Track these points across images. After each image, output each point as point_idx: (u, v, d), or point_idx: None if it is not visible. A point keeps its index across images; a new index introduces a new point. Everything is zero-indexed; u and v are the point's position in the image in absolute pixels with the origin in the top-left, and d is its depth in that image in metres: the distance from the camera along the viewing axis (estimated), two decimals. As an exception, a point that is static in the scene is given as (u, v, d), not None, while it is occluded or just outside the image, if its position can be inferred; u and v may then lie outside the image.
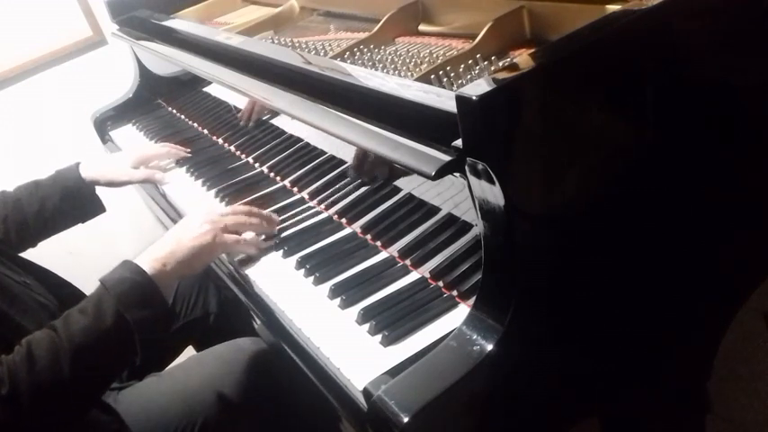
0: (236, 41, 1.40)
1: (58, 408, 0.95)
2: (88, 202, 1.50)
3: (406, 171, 0.91)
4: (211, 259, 1.15)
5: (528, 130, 0.79)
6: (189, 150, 1.65)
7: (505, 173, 0.76)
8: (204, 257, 1.11)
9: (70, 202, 1.46)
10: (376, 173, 1.11)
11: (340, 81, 1.07)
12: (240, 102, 1.55)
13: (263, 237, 1.22)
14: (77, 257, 1.59)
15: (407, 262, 1.06)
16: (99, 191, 1.53)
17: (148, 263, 1.05)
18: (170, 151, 1.64)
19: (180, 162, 1.64)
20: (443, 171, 0.82)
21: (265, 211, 1.24)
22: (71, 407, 0.98)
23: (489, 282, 0.84)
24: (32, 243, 1.45)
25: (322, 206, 1.27)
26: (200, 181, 1.52)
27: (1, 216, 1.39)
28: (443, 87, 1.04)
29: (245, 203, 1.33)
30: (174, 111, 1.98)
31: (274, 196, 1.36)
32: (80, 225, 1.52)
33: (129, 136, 1.97)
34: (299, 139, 1.34)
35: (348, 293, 1.03)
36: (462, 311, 0.93)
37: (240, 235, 1.17)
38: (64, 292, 1.23)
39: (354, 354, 0.93)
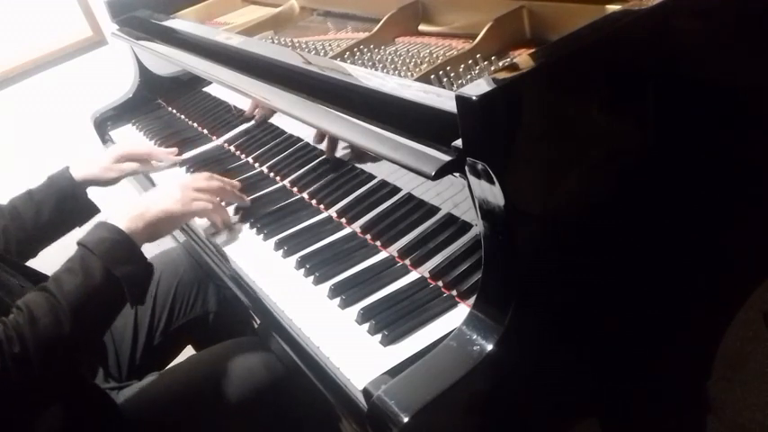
0: (236, 41, 1.40)
1: (62, 360, 1.02)
2: (82, 204, 1.50)
3: (404, 169, 0.91)
4: (179, 223, 1.24)
5: (528, 130, 0.79)
6: (177, 153, 1.65)
7: (505, 173, 0.76)
8: (171, 223, 1.19)
9: (66, 205, 1.46)
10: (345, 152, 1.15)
11: (340, 81, 1.07)
12: (240, 102, 1.55)
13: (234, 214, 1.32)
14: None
15: (407, 262, 1.06)
16: (95, 192, 1.54)
17: (123, 221, 1.11)
18: (157, 153, 1.64)
19: (180, 163, 1.64)
20: (443, 171, 0.82)
21: (235, 181, 1.35)
22: (74, 358, 1.07)
23: (489, 282, 0.84)
24: (33, 252, 1.45)
25: (322, 206, 1.27)
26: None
27: (0, 227, 1.39)
28: (443, 87, 1.04)
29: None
30: (174, 111, 1.98)
31: (274, 196, 1.36)
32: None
33: (129, 136, 1.97)
34: (299, 139, 1.34)
35: (348, 293, 1.03)
36: (462, 311, 0.93)
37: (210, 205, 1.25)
38: None
39: (354, 353, 0.93)
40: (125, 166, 1.56)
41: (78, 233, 1.50)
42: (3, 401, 0.96)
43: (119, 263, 1.05)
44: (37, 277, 1.25)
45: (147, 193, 1.22)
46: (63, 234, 1.49)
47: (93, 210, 1.53)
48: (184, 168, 1.61)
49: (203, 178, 1.29)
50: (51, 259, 1.44)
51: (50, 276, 1.05)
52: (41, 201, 1.43)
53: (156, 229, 1.16)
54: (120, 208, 1.15)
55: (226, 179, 1.33)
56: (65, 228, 1.49)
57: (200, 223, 1.33)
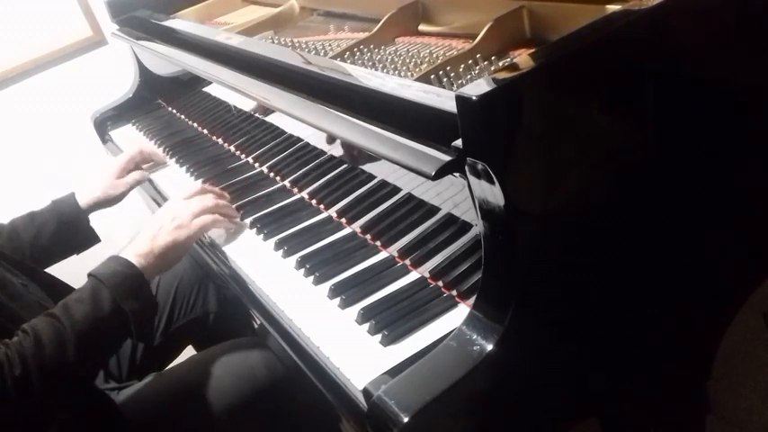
0: (236, 41, 1.40)
1: (63, 386, 1.01)
2: (83, 232, 1.49)
3: (404, 169, 0.91)
4: (188, 248, 1.23)
5: (528, 130, 0.79)
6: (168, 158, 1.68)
7: (505, 173, 0.76)
8: (179, 251, 1.19)
9: (66, 230, 1.45)
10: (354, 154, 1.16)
11: (340, 81, 1.07)
12: (240, 102, 1.55)
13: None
14: (78, 258, 1.60)
15: (407, 262, 1.06)
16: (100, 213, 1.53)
17: (134, 258, 1.12)
18: (148, 152, 1.66)
19: (180, 162, 1.64)
20: (443, 171, 0.82)
21: (227, 201, 1.32)
22: (74, 385, 1.06)
23: (489, 282, 0.84)
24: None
25: (322, 206, 1.27)
26: (199, 181, 1.52)
27: None
28: (443, 87, 1.04)
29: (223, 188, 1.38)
30: (174, 111, 1.98)
31: (274, 196, 1.36)
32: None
33: (129, 136, 1.97)
34: (299, 139, 1.34)
35: (348, 293, 1.03)
36: (462, 311, 0.93)
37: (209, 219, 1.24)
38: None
39: (354, 353, 0.93)
40: (129, 178, 1.55)
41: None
42: (2, 422, 0.96)
43: (128, 297, 1.06)
44: (41, 276, 1.25)
45: (148, 226, 1.20)
46: (59, 260, 1.48)
47: (93, 239, 1.52)
48: (185, 168, 1.61)
49: (196, 194, 1.28)
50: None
51: (59, 303, 1.05)
52: (42, 224, 1.42)
53: (166, 260, 1.17)
54: (128, 244, 1.16)
55: (217, 190, 1.33)
56: (62, 254, 1.48)
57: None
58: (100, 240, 1.52)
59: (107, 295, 1.04)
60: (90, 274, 1.08)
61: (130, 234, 1.21)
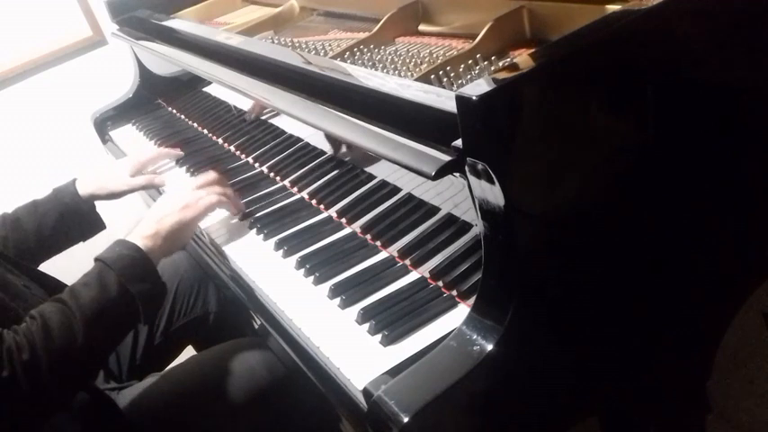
0: (236, 41, 1.40)
1: (72, 372, 1.02)
2: (87, 219, 1.48)
3: (404, 169, 0.91)
4: (194, 228, 1.25)
5: (528, 130, 0.79)
6: (183, 151, 1.66)
7: (505, 173, 0.76)
8: (186, 232, 1.20)
9: (69, 219, 1.45)
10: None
11: (340, 81, 1.07)
12: (240, 102, 1.55)
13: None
14: (78, 257, 1.59)
15: (407, 262, 1.06)
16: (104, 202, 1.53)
17: (140, 240, 1.12)
18: (168, 152, 1.65)
19: (180, 162, 1.64)
20: (443, 171, 0.82)
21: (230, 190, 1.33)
22: (84, 371, 1.07)
23: (489, 282, 0.84)
24: (33, 264, 1.41)
25: (322, 206, 1.27)
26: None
27: (0, 236, 1.38)
28: (443, 87, 1.04)
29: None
30: (174, 111, 1.98)
31: (274, 196, 1.36)
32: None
33: (129, 136, 1.97)
34: (299, 139, 1.34)
35: (348, 293, 1.03)
36: (462, 311, 0.93)
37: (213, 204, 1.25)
38: None
39: (354, 353, 0.93)
40: (138, 179, 1.54)
41: (83, 245, 1.50)
42: (10, 408, 0.96)
43: (135, 280, 1.06)
44: (42, 277, 1.25)
45: (154, 207, 1.22)
46: (65, 248, 1.48)
47: (99, 225, 1.51)
48: (184, 168, 1.61)
49: (202, 176, 1.29)
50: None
51: (66, 288, 1.05)
52: (44, 213, 1.42)
53: (173, 242, 1.17)
54: (135, 228, 1.16)
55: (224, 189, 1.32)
56: (67, 242, 1.48)
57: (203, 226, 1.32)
58: (105, 227, 1.52)
59: (113, 278, 1.05)
60: (96, 259, 1.09)
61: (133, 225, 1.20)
